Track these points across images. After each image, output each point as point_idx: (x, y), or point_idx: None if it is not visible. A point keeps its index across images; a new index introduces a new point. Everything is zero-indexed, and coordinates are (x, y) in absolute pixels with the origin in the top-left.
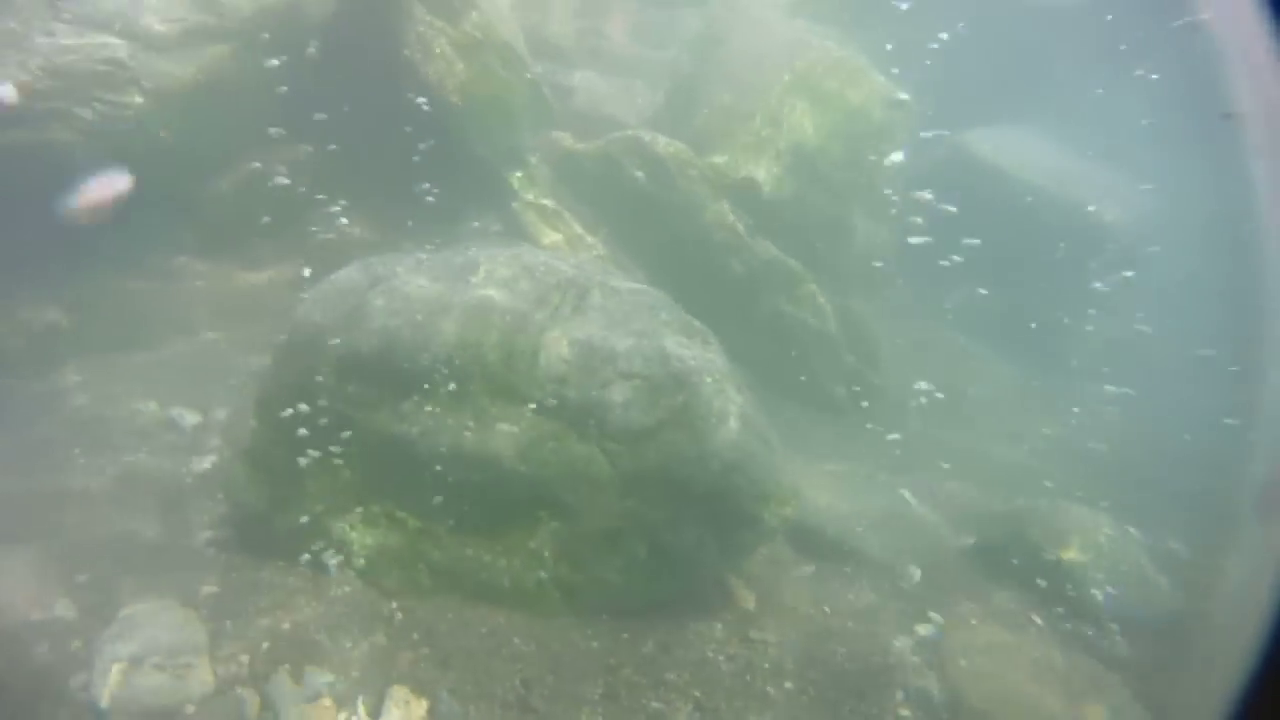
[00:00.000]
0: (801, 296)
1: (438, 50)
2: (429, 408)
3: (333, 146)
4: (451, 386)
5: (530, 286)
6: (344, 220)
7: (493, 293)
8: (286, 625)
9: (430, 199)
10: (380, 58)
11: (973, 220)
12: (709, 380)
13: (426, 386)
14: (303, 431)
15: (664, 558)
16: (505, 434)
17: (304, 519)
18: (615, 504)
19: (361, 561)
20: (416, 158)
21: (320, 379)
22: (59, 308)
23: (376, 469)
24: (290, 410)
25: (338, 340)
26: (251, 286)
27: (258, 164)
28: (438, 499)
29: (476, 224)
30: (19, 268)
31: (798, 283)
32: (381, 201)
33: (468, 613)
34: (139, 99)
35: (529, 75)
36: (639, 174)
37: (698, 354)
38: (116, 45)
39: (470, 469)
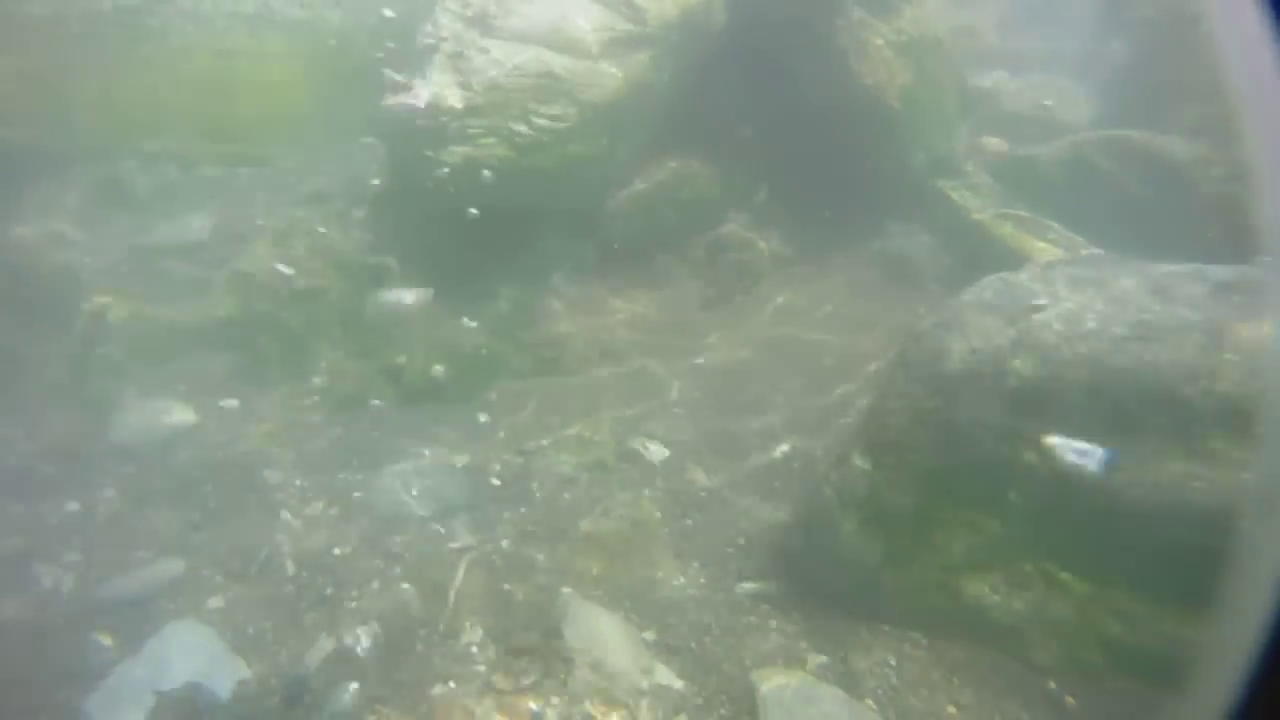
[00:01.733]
0: None
1: (874, 49)
2: (1142, 448)
3: (744, 156)
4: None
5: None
6: (755, 236)
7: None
8: (951, 709)
9: (847, 210)
10: (803, 60)
11: None
12: None
13: (1131, 422)
14: (943, 475)
15: None
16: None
17: (925, 576)
18: None
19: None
20: (841, 166)
21: (970, 414)
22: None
23: (1036, 520)
24: (921, 449)
25: (997, 368)
26: (658, 306)
27: (664, 176)
28: (1128, 561)
29: (901, 238)
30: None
31: None
32: (793, 214)
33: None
34: (572, 111)
35: (959, 75)
36: (1127, 176)
37: None
38: (550, 58)
39: (1186, 527)
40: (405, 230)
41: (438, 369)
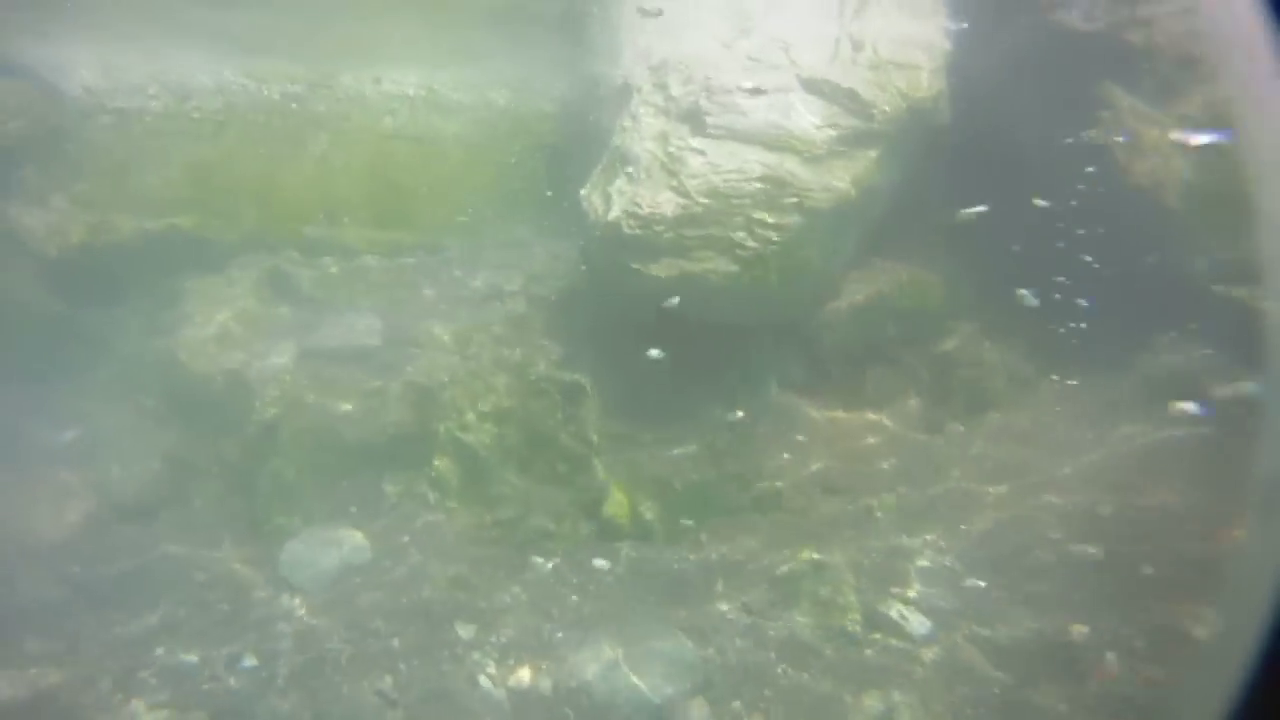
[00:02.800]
0: None
1: (1150, 142)
2: None
3: (971, 261)
4: None
5: None
6: (986, 350)
7: None
8: None
9: (1100, 322)
10: (1050, 156)
11: None
12: None
13: None
14: None
15: None
16: None
17: None
18: None
19: None
20: (1093, 272)
21: None
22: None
23: None
24: None
25: None
26: (879, 430)
27: (882, 283)
28: None
29: (1174, 353)
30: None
31: None
32: (1032, 326)
33: None
34: (798, 219)
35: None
36: None
37: None
38: (774, 160)
39: None
40: (598, 343)
41: (642, 504)
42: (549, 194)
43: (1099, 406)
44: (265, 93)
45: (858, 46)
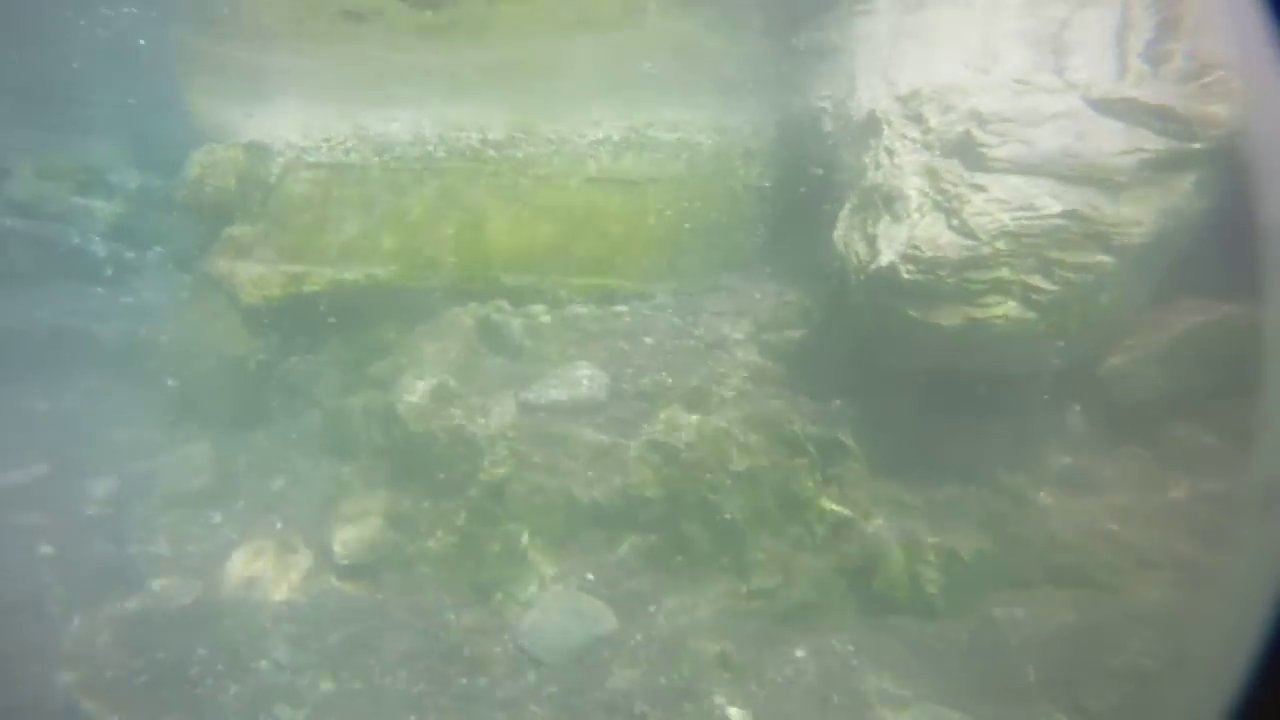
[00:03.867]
0: None
1: None
2: None
3: None
4: None
5: None
6: None
7: None
8: None
9: None
10: None
11: None
12: None
13: None
14: None
15: None
16: None
17: None
18: None
19: None
20: None
21: None
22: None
23: None
24: None
25: None
26: (1195, 498)
27: (1187, 324)
28: None
29: None
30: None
31: None
32: None
33: None
34: (1102, 257)
35: None
36: None
37: None
38: (1071, 193)
39: None
40: (854, 395)
41: (921, 574)
42: (760, 236)
43: None
44: (464, 141)
45: (1160, 59)
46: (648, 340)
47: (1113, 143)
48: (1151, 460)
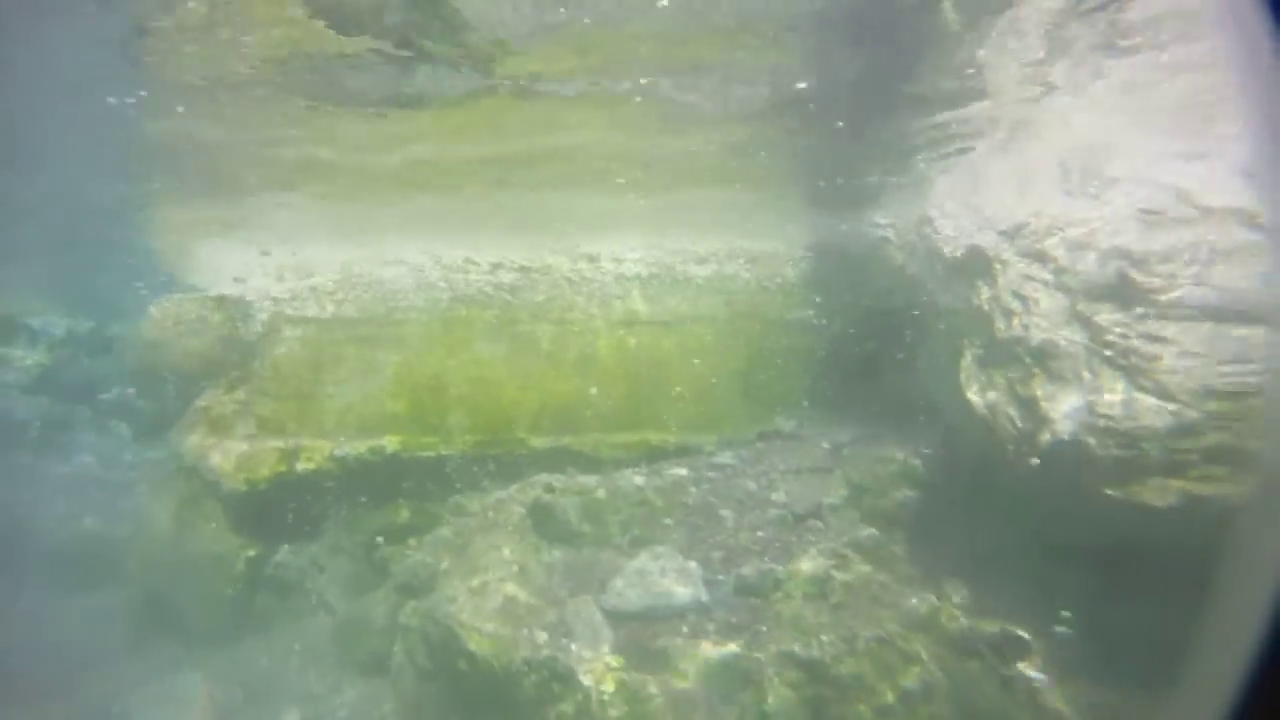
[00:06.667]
0: None
1: None
2: None
3: None
4: None
5: None
6: None
7: None
8: None
9: None
10: None
11: None
12: None
13: None
14: None
15: None
16: None
17: None
18: None
19: None
20: None
21: None
22: None
23: None
24: None
25: None
26: None
27: None
28: None
29: None
30: None
31: None
32: None
33: None
34: None
35: None
36: None
37: None
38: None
39: None
40: (1016, 577)
41: None
42: (812, 380)
43: None
44: (474, 284)
45: None
46: (725, 513)
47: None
48: None
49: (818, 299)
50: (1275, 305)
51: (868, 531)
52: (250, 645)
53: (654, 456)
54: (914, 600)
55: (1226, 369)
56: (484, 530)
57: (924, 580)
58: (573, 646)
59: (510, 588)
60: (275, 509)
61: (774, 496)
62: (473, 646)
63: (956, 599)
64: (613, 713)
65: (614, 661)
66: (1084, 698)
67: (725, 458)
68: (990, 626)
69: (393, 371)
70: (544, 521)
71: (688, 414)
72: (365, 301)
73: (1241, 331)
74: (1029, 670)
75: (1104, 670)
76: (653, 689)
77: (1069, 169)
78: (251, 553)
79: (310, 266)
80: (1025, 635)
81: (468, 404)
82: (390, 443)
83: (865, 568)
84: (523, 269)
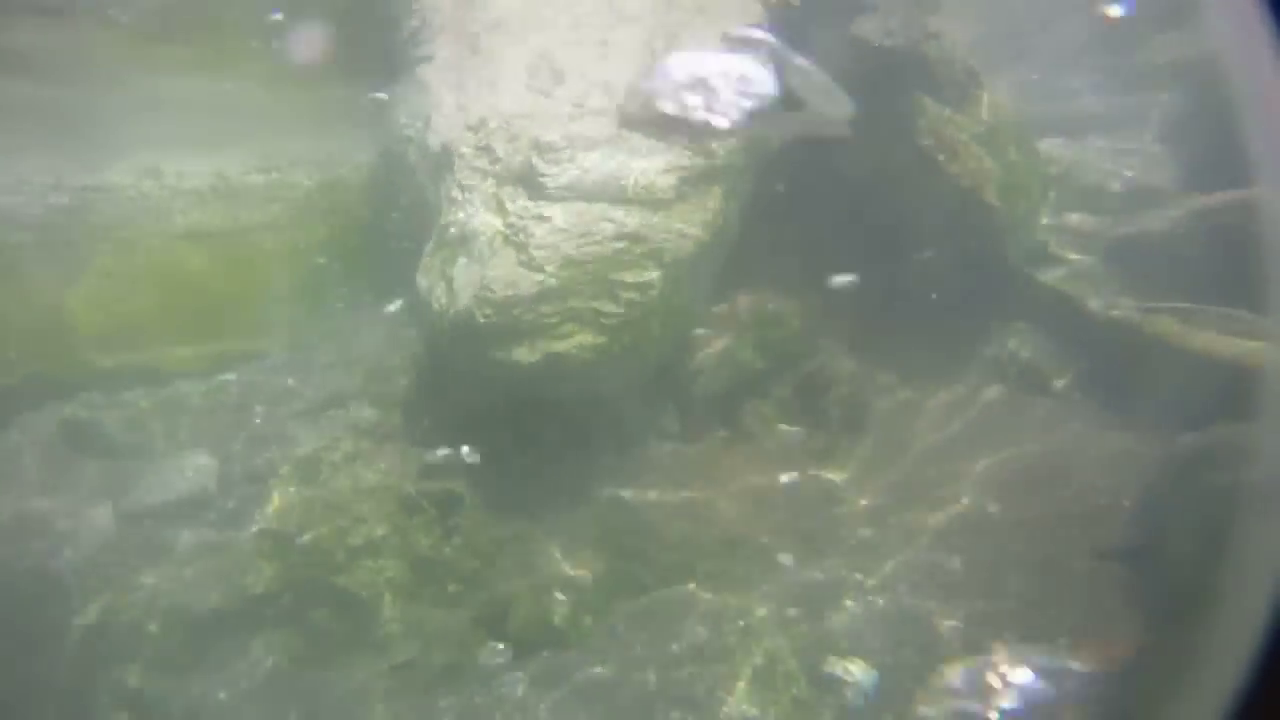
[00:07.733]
0: None
1: (962, 146)
2: None
3: (823, 282)
4: None
5: None
6: (851, 366)
7: None
8: None
9: (944, 320)
10: (879, 170)
11: None
12: None
13: None
14: None
15: None
16: None
17: None
18: None
19: None
20: (931, 273)
21: None
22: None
23: None
24: None
25: None
26: (767, 469)
27: (743, 318)
28: None
29: (1013, 344)
30: None
31: None
32: (888, 336)
33: None
34: (658, 274)
35: (1037, 156)
36: None
37: None
38: (623, 215)
39: None
40: (464, 440)
41: (550, 609)
42: (368, 278)
43: (970, 404)
44: (30, 210)
45: None
46: (258, 410)
47: (657, 162)
48: (735, 442)
49: (372, 204)
50: (608, 179)
51: (368, 414)
52: None
53: (218, 367)
54: (375, 470)
55: (579, 236)
56: (16, 451)
57: (389, 452)
58: (66, 549)
59: (27, 498)
60: None
61: (306, 392)
62: None
63: (411, 463)
64: (92, 607)
65: (106, 557)
66: (502, 531)
67: (277, 360)
68: (435, 485)
69: None
70: (80, 436)
71: (253, 322)
72: None
73: (592, 208)
74: (464, 518)
75: (517, 507)
76: (146, 577)
77: (536, 68)
78: None
79: None
80: (460, 489)
81: (24, 331)
82: None
83: (349, 447)
84: (79, 189)
